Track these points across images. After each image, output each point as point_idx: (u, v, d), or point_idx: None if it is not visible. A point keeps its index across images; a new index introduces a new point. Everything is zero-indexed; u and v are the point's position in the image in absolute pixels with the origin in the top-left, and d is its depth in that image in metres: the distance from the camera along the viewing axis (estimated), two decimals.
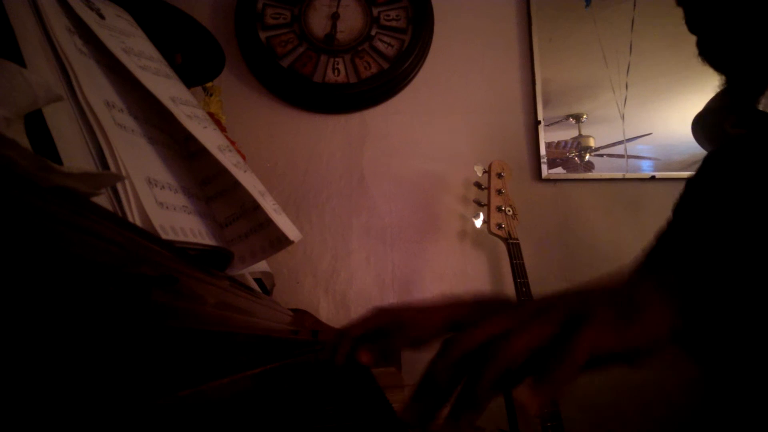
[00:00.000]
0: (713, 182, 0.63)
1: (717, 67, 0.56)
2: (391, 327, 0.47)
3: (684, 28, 0.58)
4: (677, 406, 1.39)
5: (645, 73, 1.64)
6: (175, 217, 0.39)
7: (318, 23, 1.60)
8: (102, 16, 0.46)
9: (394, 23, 1.62)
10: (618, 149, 1.63)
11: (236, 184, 0.48)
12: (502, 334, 0.34)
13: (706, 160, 0.66)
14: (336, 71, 1.58)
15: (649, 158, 1.63)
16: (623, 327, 0.35)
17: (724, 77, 0.57)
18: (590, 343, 0.33)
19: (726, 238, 0.55)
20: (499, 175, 1.43)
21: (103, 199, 0.34)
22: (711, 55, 0.56)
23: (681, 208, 0.67)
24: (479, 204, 1.42)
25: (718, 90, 0.58)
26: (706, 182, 0.64)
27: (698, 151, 1.53)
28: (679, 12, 0.59)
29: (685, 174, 0.69)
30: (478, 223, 1.41)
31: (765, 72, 0.53)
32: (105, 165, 0.35)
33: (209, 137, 0.47)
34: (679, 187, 0.70)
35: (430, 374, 0.35)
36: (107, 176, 0.32)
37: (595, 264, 1.53)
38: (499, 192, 1.40)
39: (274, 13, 1.59)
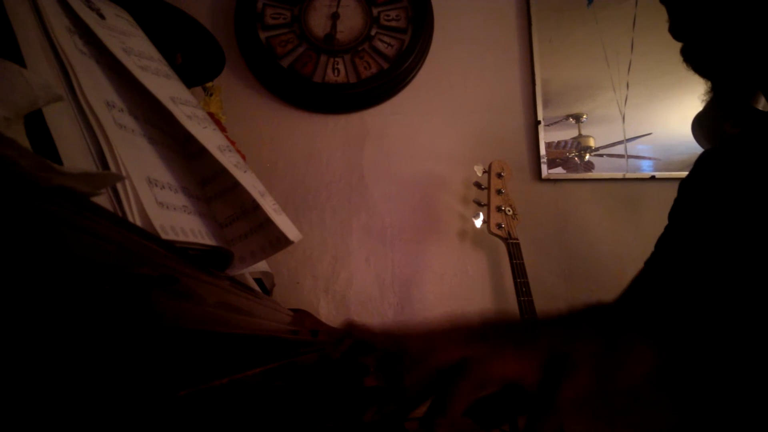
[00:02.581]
0: (706, 184, 0.62)
1: (702, 73, 0.56)
2: (397, 354, 0.47)
3: None
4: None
5: (646, 72, 1.64)
6: (175, 217, 0.39)
7: (318, 23, 1.60)
8: (102, 16, 0.46)
9: (394, 23, 1.62)
10: (618, 149, 1.63)
11: (236, 184, 0.48)
12: (481, 358, 0.35)
13: (698, 162, 0.66)
14: (336, 71, 1.58)
15: (649, 158, 1.63)
16: (603, 378, 0.36)
17: (710, 83, 0.56)
18: (572, 395, 0.34)
19: (719, 242, 0.55)
20: (499, 175, 1.43)
21: (103, 199, 0.34)
22: (696, 61, 0.55)
23: (676, 211, 0.67)
24: (479, 204, 1.42)
25: (704, 97, 0.57)
26: (699, 184, 0.64)
27: (698, 151, 1.53)
28: None
29: (686, 174, 0.68)
30: (478, 223, 1.41)
31: (750, 77, 0.53)
32: (105, 165, 0.35)
33: (209, 137, 0.47)
34: None
35: (401, 382, 0.37)
36: (107, 176, 0.32)
37: (595, 264, 1.53)
38: (498, 192, 1.40)
39: (274, 13, 1.59)
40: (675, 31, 0.57)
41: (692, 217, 0.63)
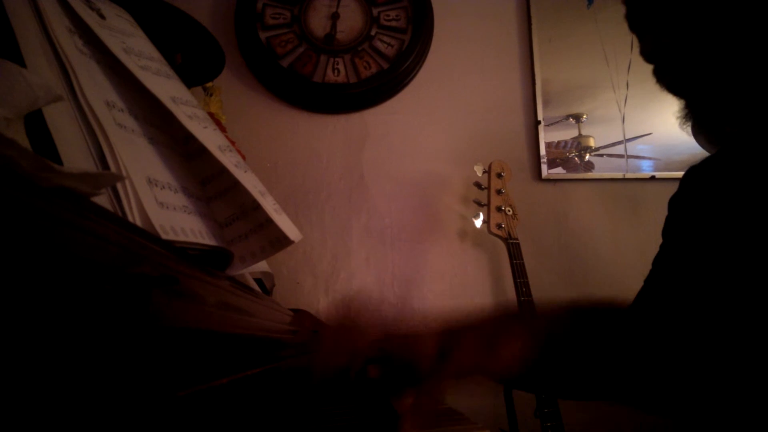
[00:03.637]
0: (694, 201, 0.63)
1: (675, 92, 0.57)
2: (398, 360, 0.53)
3: None
4: None
5: (646, 72, 1.62)
6: (175, 217, 0.39)
7: (318, 23, 1.60)
8: (102, 16, 0.46)
9: (394, 23, 1.62)
10: (618, 149, 1.63)
11: (236, 184, 0.48)
12: None
13: (685, 178, 0.66)
14: (336, 71, 1.58)
15: (649, 158, 1.63)
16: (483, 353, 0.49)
17: (683, 101, 0.57)
18: (455, 368, 0.48)
19: (712, 259, 0.55)
20: (499, 175, 1.43)
21: (103, 199, 0.34)
22: (668, 81, 0.57)
23: (668, 230, 0.67)
24: (479, 204, 1.42)
25: (678, 114, 0.58)
26: (688, 201, 0.64)
27: (698, 151, 1.53)
28: None
29: None
30: (478, 223, 1.41)
31: (722, 97, 0.54)
32: (105, 165, 0.35)
33: (209, 137, 0.47)
34: None
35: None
36: (107, 176, 0.32)
37: (595, 264, 1.53)
38: (498, 192, 1.40)
39: (274, 13, 1.59)
40: (645, 54, 0.58)
41: (684, 235, 0.63)
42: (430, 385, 0.45)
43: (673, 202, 0.67)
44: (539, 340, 0.51)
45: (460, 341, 0.49)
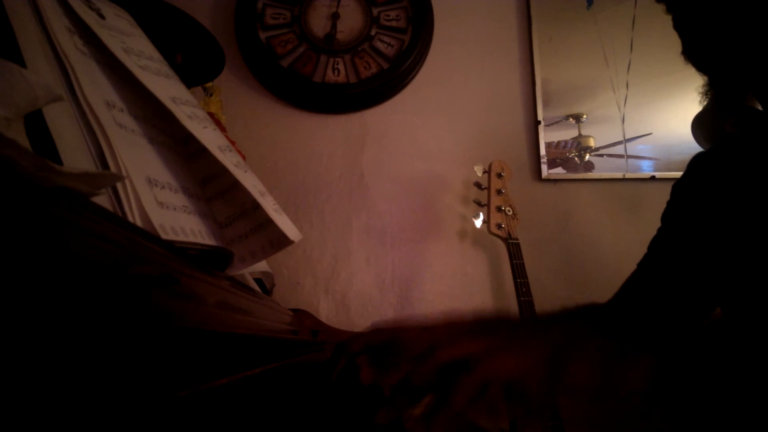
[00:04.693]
0: (698, 187, 0.63)
1: (699, 67, 0.56)
2: (390, 347, 0.48)
3: None
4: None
5: (646, 72, 1.64)
6: (175, 217, 0.39)
7: (318, 23, 1.60)
8: (102, 16, 0.46)
9: (394, 23, 1.62)
10: (618, 149, 1.63)
11: (236, 184, 0.48)
12: (485, 355, 0.36)
13: (691, 165, 0.67)
14: (336, 71, 1.58)
15: (649, 158, 1.63)
16: (602, 376, 0.39)
17: (707, 78, 0.57)
18: (571, 384, 0.37)
19: (711, 245, 0.55)
20: (499, 175, 1.42)
21: (103, 199, 0.34)
22: (694, 55, 0.56)
23: (669, 214, 0.68)
24: (479, 204, 1.42)
25: (700, 91, 0.58)
26: (692, 187, 0.65)
27: (698, 151, 1.53)
28: None
29: None
30: (478, 223, 1.40)
31: (746, 73, 0.53)
32: (105, 165, 0.35)
33: (209, 137, 0.47)
34: None
35: (407, 379, 0.38)
36: (107, 176, 0.32)
37: (595, 264, 1.53)
38: (498, 192, 1.40)
39: (274, 13, 1.59)
40: (675, 22, 0.57)
41: (685, 220, 0.64)
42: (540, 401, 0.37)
43: (677, 188, 0.68)
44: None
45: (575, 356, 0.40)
